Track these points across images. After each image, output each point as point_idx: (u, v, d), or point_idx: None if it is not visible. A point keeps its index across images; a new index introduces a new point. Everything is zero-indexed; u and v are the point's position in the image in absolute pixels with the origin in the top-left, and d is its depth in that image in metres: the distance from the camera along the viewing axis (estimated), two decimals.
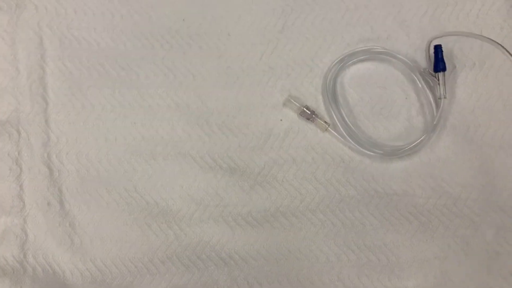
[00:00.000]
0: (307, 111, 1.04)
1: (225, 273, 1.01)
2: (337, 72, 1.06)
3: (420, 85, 1.04)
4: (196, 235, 1.03)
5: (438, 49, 1.03)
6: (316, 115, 1.04)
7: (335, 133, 1.03)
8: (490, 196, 1.00)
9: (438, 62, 1.03)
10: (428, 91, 1.04)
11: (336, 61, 1.06)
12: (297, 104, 1.04)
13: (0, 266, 1.03)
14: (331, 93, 1.05)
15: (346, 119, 1.04)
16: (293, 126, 1.06)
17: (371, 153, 1.02)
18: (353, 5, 1.09)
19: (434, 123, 1.01)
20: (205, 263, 1.01)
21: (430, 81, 1.04)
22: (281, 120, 1.06)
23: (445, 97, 1.02)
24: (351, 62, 1.07)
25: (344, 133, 1.03)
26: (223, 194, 1.04)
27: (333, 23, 1.09)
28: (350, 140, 1.02)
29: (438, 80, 1.02)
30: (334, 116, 1.04)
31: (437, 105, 1.03)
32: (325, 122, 1.03)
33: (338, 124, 1.03)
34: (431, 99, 1.04)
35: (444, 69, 1.02)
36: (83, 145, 1.07)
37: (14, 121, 1.08)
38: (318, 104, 1.06)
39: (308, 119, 1.04)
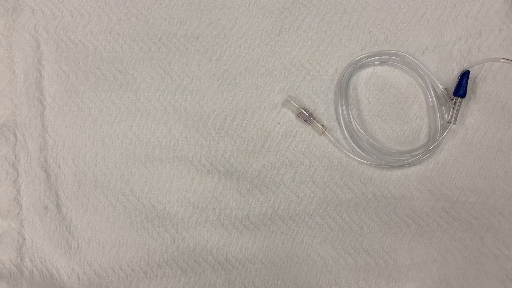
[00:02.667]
0: (305, 112, 1.03)
1: (222, 276, 1.01)
2: (352, 72, 1.06)
3: (431, 103, 1.03)
4: (193, 238, 1.03)
5: (465, 75, 1.01)
6: (314, 118, 1.03)
7: (331, 137, 1.03)
8: (488, 200, 1.00)
9: (460, 87, 1.00)
10: (437, 110, 1.02)
11: (354, 60, 1.06)
12: (296, 105, 1.04)
13: None
14: (344, 93, 1.04)
15: (353, 120, 1.03)
16: (291, 129, 1.05)
17: (369, 160, 1.02)
18: (351, 7, 1.08)
19: (436, 143, 1.00)
20: (202, 267, 1.02)
21: (445, 98, 1.02)
22: (278, 123, 1.06)
23: (454, 123, 1.01)
24: (368, 65, 1.07)
25: (347, 136, 1.02)
26: (220, 197, 1.04)
27: (331, 26, 1.08)
28: (352, 143, 1.02)
29: (454, 104, 1.01)
30: (341, 115, 1.03)
31: (443, 126, 1.02)
32: (322, 125, 1.03)
33: (343, 124, 1.03)
34: (438, 120, 1.02)
35: (463, 95, 1.00)
36: (80, 149, 1.07)
37: (11, 125, 1.08)
38: (316, 107, 1.06)
39: (305, 121, 1.04)
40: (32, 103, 1.08)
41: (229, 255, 1.01)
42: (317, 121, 1.03)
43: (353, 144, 1.02)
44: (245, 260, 1.01)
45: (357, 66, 1.05)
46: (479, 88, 1.04)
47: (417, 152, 1.01)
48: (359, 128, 1.03)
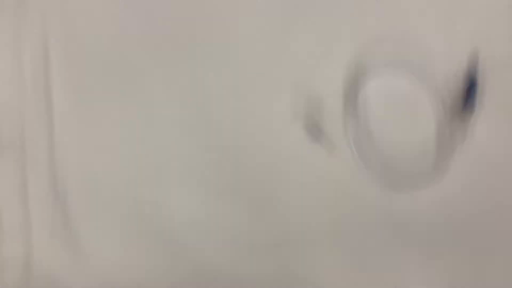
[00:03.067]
0: (314, 127, 1.02)
1: None
2: (360, 85, 1.03)
3: (440, 119, 1.00)
4: (198, 258, 1.03)
5: (472, 87, 0.97)
6: (322, 136, 1.02)
7: (342, 156, 1.01)
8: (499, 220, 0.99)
9: (468, 100, 0.96)
10: (446, 126, 1.00)
11: (360, 71, 1.03)
12: (305, 118, 1.02)
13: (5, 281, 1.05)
14: (352, 108, 1.02)
15: (361, 139, 1.01)
16: (298, 147, 1.03)
17: (377, 182, 1.00)
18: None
19: (445, 162, 0.98)
20: None
21: (454, 113, 1.00)
22: (286, 141, 1.03)
23: (463, 140, 0.97)
24: (374, 76, 1.03)
25: (356, 154, 1.00)
26: (227, 217, 1.03)
27: (333, 31, 1.05)
28: (360, 164, 1.00)
29: (463, 119, 0.97)
30: (349, 133, 1.01)
31: (452, 143, 0.98)
32: (332, 143, 1.01)
33: (352, 142, 1.01)
34: (447, 138, 0.98)
35: (472, 109, 0.96)
36: (88, 159, 1.06)
37: (18, 134, 1.06)
38: (324, 124, 1.03)
39: (313, 139, 1.02)
40: (40, 113, 1.06)
41: (236, 278, 1.02)
42: (325, 139, 1.02)
43: (361, 164, 1.01)
44: (252, 283, 1.02)
45: (363, 77, 1.03)
46: (487, 100, 1.01)
47: (425, 172, 1.00)
48: (367, 147, 1.01)
